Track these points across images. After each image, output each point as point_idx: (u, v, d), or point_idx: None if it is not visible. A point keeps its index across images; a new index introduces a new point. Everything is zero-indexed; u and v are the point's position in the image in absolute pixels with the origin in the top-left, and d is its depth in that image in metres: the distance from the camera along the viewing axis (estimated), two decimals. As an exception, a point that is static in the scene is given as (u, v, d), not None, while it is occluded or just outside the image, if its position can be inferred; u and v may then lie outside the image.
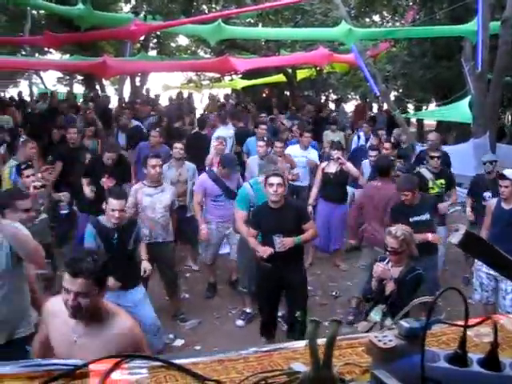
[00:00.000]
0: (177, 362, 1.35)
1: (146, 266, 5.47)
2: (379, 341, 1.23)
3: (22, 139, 7.80)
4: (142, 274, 5.40)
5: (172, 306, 6.63)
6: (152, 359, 1.37)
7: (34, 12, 20.18)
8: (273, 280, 5.48)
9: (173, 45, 25.35)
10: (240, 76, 18.58)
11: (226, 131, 9.73)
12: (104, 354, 2.77)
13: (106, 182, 6.79)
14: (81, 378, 1.30)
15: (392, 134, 10.41)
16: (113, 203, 5.02)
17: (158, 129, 9.12)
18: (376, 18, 20.65)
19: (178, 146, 7.55)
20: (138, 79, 21.22)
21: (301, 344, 1.51)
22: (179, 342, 6.04)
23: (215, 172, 6.94)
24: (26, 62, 13.00)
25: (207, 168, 8.01)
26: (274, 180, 5.26)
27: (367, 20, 19.62)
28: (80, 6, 12.36)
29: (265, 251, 5.31)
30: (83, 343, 2.82)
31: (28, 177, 5.97)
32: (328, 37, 13.34)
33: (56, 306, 2.94)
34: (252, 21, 17.33)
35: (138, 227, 5.45)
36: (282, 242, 5.22)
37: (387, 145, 8.42)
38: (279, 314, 5.95)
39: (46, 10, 15.02)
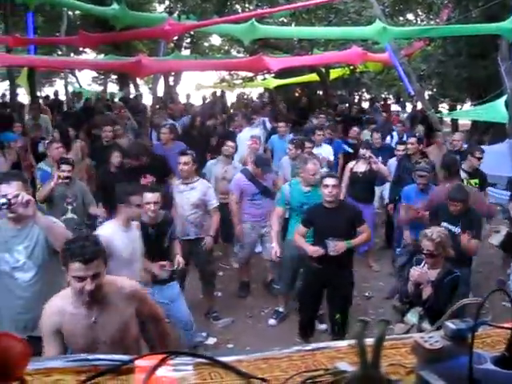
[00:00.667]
0: (221, 359, 1.36)
1: (178, 259, 5.42)
2: (425, 341, 1.22)
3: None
4: (175, 267, 5.36)
5: (205, 304, 6.66)
6: (197, 356, 1.37)
7: (70, 13, 20.46)
8: (319, 281, 5.52)
9: (206, 44, 25.52)
10: (273, 75, 18.55)
11: (254, 130, 9.72)
12: (121, 321, 2.96)
13: (144, 181, 6.84)
14: (126, 373, 1.31)
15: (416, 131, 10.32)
16: (148, 196, 5.07)
17: (168, 125, 9.04)
18: (410, 16, 20.46)
19: (229, 143, 7.59)
20: (171, 78, 21.36)
21: (344, 344, 1.50)
22: (211, 341, 6.06)
23: (250, 171, 6.94)
24: (64, 62, 13.18)
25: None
26: (329, 181, 5.33)
27: (401, 18, 19.40)
28: (115, 6, 12.52)
29: (315, 251, 5.34)
30: (103, 321, 3.00)
31: (63, 171, 6.21)
32: (362, 35, 13.20)
33: (57, 307, 3.04)
34: (285, 20, 17.30)
35: (173, 224, 5.51)
36: (336, 247, 5.22)
37: (412, 139, 8.23)
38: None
39: (82, 10, 15.18)
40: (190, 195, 6.24)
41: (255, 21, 11.40)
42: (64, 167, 6.29)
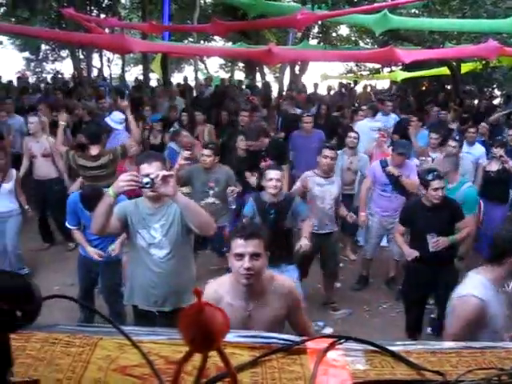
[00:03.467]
0: (391, 348, 1.37)
1: (303, 242, 5.22)
2: None
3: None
4: (296, 249, 5.29)
5: (323, 294, 6.67)
6: (368, 343, 1.40)
7: (201, 1, 21.09)
8: (423, 280, 5.37)
9: (334, 34, 25.33)
10: (400, 68, 18.15)
11: (376, 122, 9.56)
12: (274, 319, 2.96)
13: (266, 166, 6.95)
14: (298, 353, 1.36)
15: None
16: (270, 173, 5.16)
17: (310, 114, 9.09)
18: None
19: (352, 135, 7.59)
20: (297, 68, 21.46)
21: (513, 346, 1.46)
22: (328, 330, 6.05)
23: (387, 161, 6.86)
24: (199, 49, 13.59)
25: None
26: (439, 184, 5.19)
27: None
28: (249, -6, 12.78)
29: (410, 254, 5.30)
30: (257, 315, 2.97)
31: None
32: (498, 29, 12.57)
33: (215, 294, 3.02)
34: (417, 11, 16.83)
35: (295, 204, 5.39)
36: (437, 242, 5.12)
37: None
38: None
39: (216, -2, 15.63)
40: (332, 189, 6.21)
41: (387, 11, 11.21)
42: (205, 151, 6.46)
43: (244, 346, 1.39)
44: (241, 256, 2.88)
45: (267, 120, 10.38)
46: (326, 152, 6.12)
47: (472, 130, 8.67)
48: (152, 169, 3.64)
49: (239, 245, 2.90)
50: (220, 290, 3.05)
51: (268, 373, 1.30)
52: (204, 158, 6.40)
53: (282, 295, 3.00)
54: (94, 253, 5.25)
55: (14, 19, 20.71)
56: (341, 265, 7.63)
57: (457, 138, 8.17)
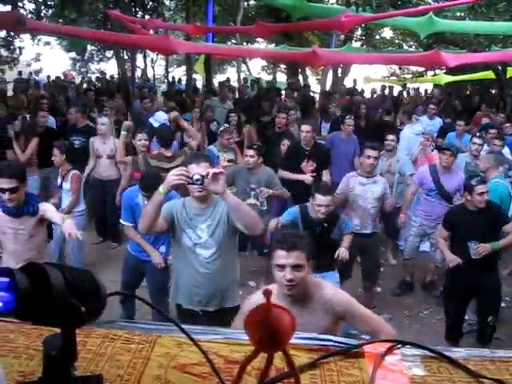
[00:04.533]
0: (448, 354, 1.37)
1: (343, 251, 5.29)
2: None
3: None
4: (335, 256, 5.30)
5: (364, 298, 6.63)
6: (426, 349, 1.39)
7: (245, 3, 21.20)
8: (463, 285, 5.31)
9: (377, 37, 25.13)
10: (444, 71, 17.91)
11: (417, 126, 9.45)
12: (317, 327, 2.92)
13: (307, 166, 6.95)
14: (356, 357, 1.36)
15: None
16: (320, 199, 5.11)
17: (351, 117, 8.97)
18: None
19: (390, 137, 7.56)
20: (339, 70, 21.37)
21: None
22: (366, 335, 6.02)
23: (436, 165, 6.79)
24: (243, 51, 13.72)
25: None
26: (484, 189, 5.15)
27: None
28: (293, -4, 12.80)
29: (452, 261, 5.26)
30: (300, 323, 2.92)
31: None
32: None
33: (256, 302, 3.03)
34: (462, 14, 16.60)
35: (341, 221, 5.47)
36: (478, 249, 5.06)
37: None
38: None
39: (261, 0, 15.67)
40: (374, 188, 6.24)
41: (433, 14, 11.10)
42: (249, 152, 6.46)
43: (301, 347, 1.41)
44: (282, 267, 2.86)
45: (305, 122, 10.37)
46: (369, 152, 6.18)
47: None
48: (200, 169, 3.63)
49: (280, 256, 2.87)
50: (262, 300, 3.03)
51: (327, 375, 1.31)
52: (247, 159, 6.42)
53: (326, 302, 2.95)
54: (158, 258, 5.22)
55: (61, 20, 21.12)
56: (382, 269, 7.60)
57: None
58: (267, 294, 0.95)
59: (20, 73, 19.11)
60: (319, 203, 5.10)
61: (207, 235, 3.94)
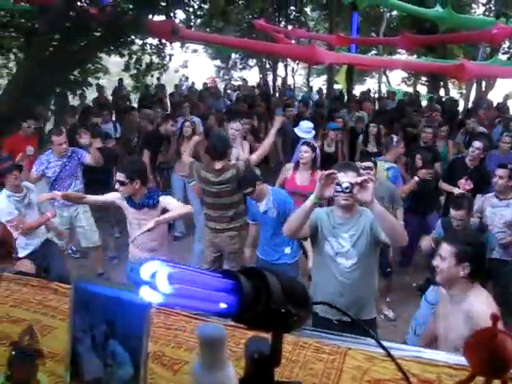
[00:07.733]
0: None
1: None
2: None
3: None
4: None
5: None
6: None
7: (388, 14, 20.93)
8: None
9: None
10: None
11: None
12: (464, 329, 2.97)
13: (464, 184, 6.67)
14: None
15: None
16: (452, 213, 5.13)
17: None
18: None
19: None
20: (483, 83, 20.44)
21: None
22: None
23: None
24: (391, 62, 13.64)
25: None
26: None
27: None
28: (438, 8, 12.40)
29: None
30: (450, 321, 3.11)
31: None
32: None
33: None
34: None
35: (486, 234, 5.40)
36: None
37: None
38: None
39: (405, 11, 15.38)
40: (505, 212, 5.83)
41: None
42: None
43: (446, 365, 1.41)
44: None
45: (450, 137, 9.99)
46: (499, 172, 5.81)
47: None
48: (347, 178, 3.62)
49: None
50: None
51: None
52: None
53: (475, 310, 3.04)
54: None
55: (208, 29, 21.95)
56: None
57: None
58: (494, 318, 0.89)
59: (158, 79, 19.82)
60: (453, 217, 5.07)
61: (350, 245, 3.93)
